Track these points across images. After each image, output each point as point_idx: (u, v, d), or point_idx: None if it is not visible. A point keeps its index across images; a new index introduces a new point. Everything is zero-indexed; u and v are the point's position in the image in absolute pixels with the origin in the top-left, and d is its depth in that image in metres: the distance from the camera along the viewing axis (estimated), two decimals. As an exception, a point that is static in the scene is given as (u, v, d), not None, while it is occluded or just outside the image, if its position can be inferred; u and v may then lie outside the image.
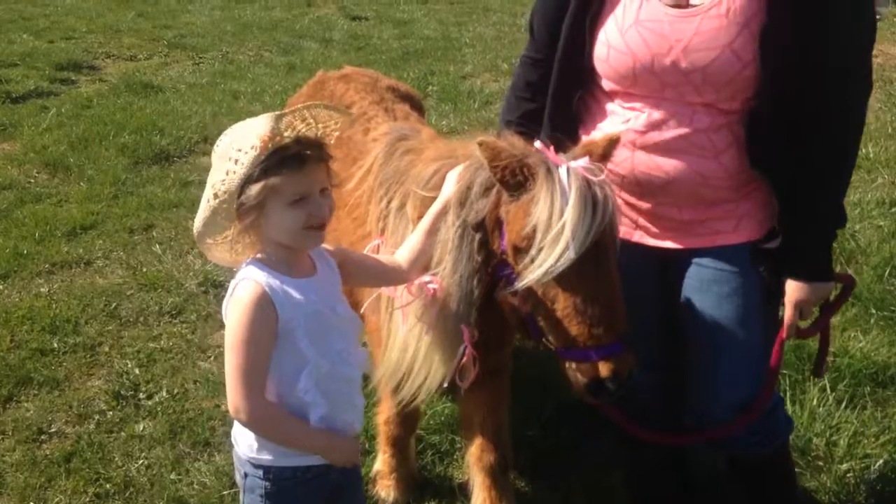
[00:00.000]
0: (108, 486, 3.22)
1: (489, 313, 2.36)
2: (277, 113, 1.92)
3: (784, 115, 2.20)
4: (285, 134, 1.90)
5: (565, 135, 2.40)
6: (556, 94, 2.50)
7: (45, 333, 4.20)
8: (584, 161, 2.11)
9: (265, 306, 1.93)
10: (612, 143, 2.22)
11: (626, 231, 2.47)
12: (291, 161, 1.91)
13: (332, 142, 2.07)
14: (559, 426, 3.53)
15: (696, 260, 2.44)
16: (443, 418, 3.60)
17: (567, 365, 2.17)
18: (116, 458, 3.37)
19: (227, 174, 1.88)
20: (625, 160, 2.37)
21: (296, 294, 1.97)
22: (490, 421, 2.82)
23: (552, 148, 2.17)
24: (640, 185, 2.38)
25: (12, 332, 4.19)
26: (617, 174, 2.38)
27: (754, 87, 2.21)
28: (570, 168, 2.07)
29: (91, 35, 10.81)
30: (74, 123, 7.31)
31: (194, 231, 2.00)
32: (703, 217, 2.39)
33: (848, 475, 3.15)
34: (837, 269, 4.46)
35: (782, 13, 2.12)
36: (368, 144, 2.90)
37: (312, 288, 2.03)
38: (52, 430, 3.55)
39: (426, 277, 2.34)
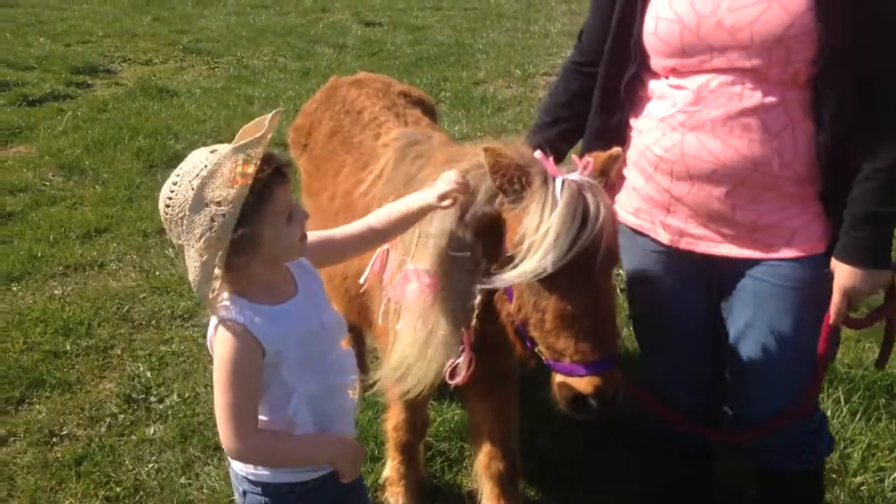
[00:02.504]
0: (118, 489, 3.23)
1: (493, 317, 2.36)
2: (235, 146, 1.83)
3: (845, 87, 2.07)
4: (253, 162, 1.83)
5: (614, 122, 2.42)
6: (604, 81, 2.47)
7: (58, 336, 4.22)
8: (577, 174, 2.11)
9: (249, 345, 1.91)
10: (612, 159, 2.21)
11: (671, 239, 2.44)
12: (277, 179, 1.87)
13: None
14: (570, 435, 3.51)
15: (749, 272, 2.36)
16: (452, 425, 3.59)
17: (554, 377, 2.16)
18: (127, 462, 3.38)
19: (214, 220, 1.79)
20: (674, 145, 2.30)
21: (281, 323, 1.95)
22: (499, 429, 2.81)
23: (551, 158, 2.17)
24: (689, 174, 2.29)
25: (25, 334, 4.22)
26: (668, 162, 2.33)
27: (809, 50, 2.07)
28: (565, 179, 2.07)
29: (107, 39, 10.89)
30: (90, 127, 7.37)
31: (195, 290, 1.88)
32: (756, 223, 2.28)
33: (861, 488, 3.12)
34: None
35: None
36: (379, 150, 2.90)
37: (297, 309, 2.01)
38: (64, 432, 3.57)
39: (421, 266, 2.34)
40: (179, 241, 1.85)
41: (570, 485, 3.29)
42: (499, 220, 2.21)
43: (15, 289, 4.69)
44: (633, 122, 2.45)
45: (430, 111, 3.51)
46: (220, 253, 1.81)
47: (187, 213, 1.79)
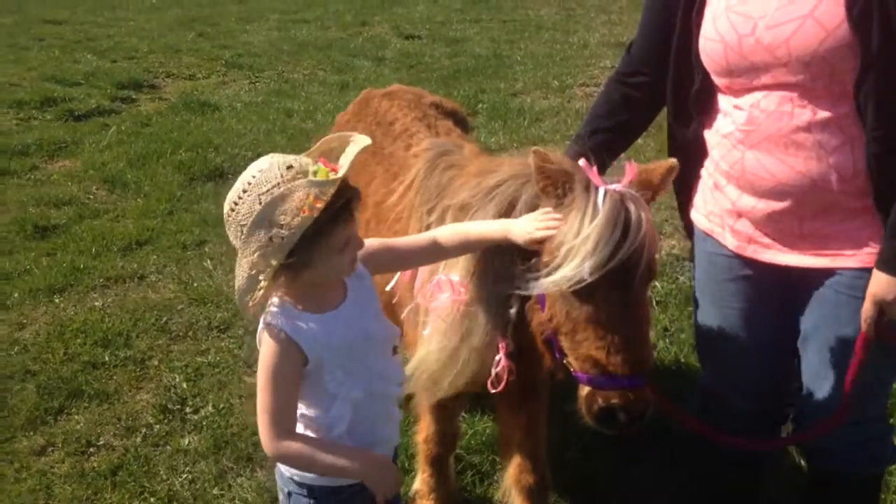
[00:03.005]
0: (152, 499, 3.27)
1: (525, 326, 2.35)
2: (315, 181, 1.88)
3: (890, 96, 2.03)
4: (325, 199, 1.87)
5: (690, 133, 2.45)
6: (673, 94, 2.50)
7: (98, 347, 4.29)
8: (621, 185, 2.10)
9: (290, 350, 1.99)
10: (670, 171, 2.20)
11: (738, 246, 2.44)
12: (343, 214, 1.93)
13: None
14: (601, 449, 3.46)
15: (817, 281, 2.34)
16: (484, 438, 3.57)
17: (582, 389, 2.15)
18: (161, 472, 3.42)
19: (273, 240, 1.85)
20: (736, 162, 2.32)
21: (324, 332, 2.01)
22: (528, 441, 2.80)
23: (595, 168, 2.16)
24: (753, 189, 2.30)
25: (66, 345, 4.29)
26: (733, 178, 2.35)
27: (851, 62, 2.04)
28: (608, 189, 2.07)
29: (152, 55, 11.10)
30: (133, 141, 7.51)
31: (236, 296, 1.96)
32: (823, 233, 2.26)
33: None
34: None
35: None
36: (409, 160, 2.91)
37: (342, 319, 2.05)
38: (101, 442, 3.62)
39: (454, 276, 2.35)
40: (234, 243, 1.94)
41: (601, 499, 3.24)
42: None
43: (57, 300, 4.78)
44: (706, 133, 2.47)
45: (462, 122, 3.52)
46: (268, 270, 1.88)
47: (249, 225, 1.87)
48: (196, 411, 3.81)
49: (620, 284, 2.04)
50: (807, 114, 2.14)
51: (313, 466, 2.07)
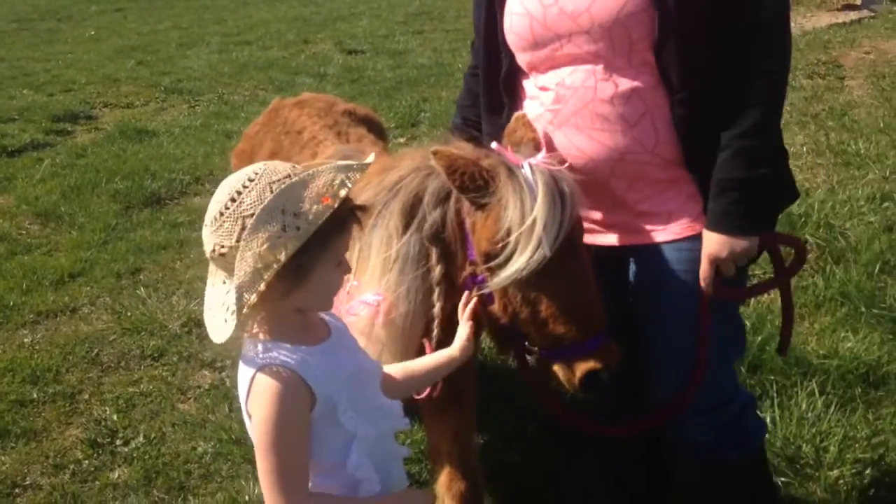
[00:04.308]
0: (79, 536, 3.16)
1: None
2: (342, 164, 1.72)
3: (690, 62, 2.07)
4: (348, 187, 1.69)
5: (503, 121, 2.39)
6: (485, 82, 2.49)
7: (26, 384, 4.16)
8: (541, 156, 2.09)
9: (298, 393, 1.71)
10: (519, 122, 2.22)
11: None
12: (353, 218, 1.76)
13: None
14: (540, 450, 3.42)
15: (635, 259, 2.36)
16: (422, 447, 3.51)
17: (556, 367, 2.13)
18: (90, 508, 3.31)
19: (286, 230, 1.62)
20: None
21: (325, 363, 1.77)
22: (457, 449, 2.73)
23: (509, 148, 2.14)
24: (570, 168, 2.27)
25: (-8, 385, 4.16)
26: None
27: (648, 28, 2.08)
28: (532, 165, 2.04)
29: (90, 86, 10.92)
30: (68, 173, 7.35)
31: (234, 294, 1.66)
32: (634, 210, 2.29)
33: (839, 482, 3.02)
34: (826, 268, 4.38)
35: None
36: (313, 169, 2.85)
37: (336, 350, 1.84)
38: (27, 482, 3.49)
39: (367, 296, 2.28)
40: (228, 243, 1.66)
41: (541, 499, 3.19)
42: (456, 223, 2.18)
43: (-16, 340, 4.64)
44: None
45: (376, 129, 3.47)
46: (275, 266, 1.63)
47: (258, 212, 1.62)
48: (126, 443, 3.70)
49: (569, 253, 2.04)
50: (610, 87, 2.16)
51: None
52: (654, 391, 2.47)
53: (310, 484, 1.81)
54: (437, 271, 2.22)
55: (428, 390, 2.34)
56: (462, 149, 2.18)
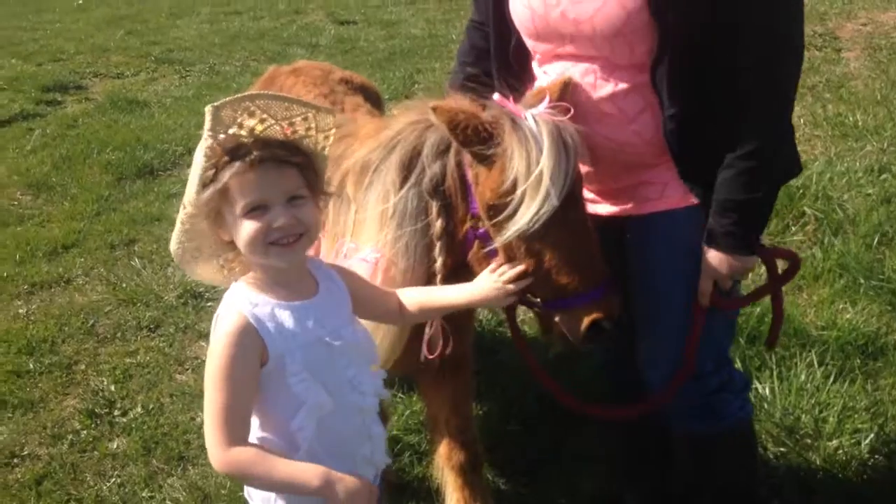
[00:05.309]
0: (79, 506, 3.16)
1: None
2: (215, 104, 1.68)
3: (692, 75, 2.05)
4: (230, 132, 1.68)
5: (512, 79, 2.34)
6: (495, 50, 2.42)
7: (22, 355, 4.15)
8: (544, 106, 2.06)
9: (249, 340, 1.72)
10: (566, 86, 2.15)
11: None
12: (239, 162, 1.68)
13: (329, 142, 1.89)
14: (541, 420, 3.42)
15: (629, 226, 2.34)
16: (421, 417, 3.51)
17: (559, 318, 2.14)
18: (88, 478, 3.31)
19: (189, 182, 1.70)
20: None
21: (290, 322, 1.77)
22: (455, 419, 2.72)
23: (511, 99, 2.11)
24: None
25: (-12, 356, 4.14)
26: None
27: (648, 42, 2.06)
28: (535, 116, 2.02)
29: (80, 56, 10.82)
30: (59, 144, 7.30)
31: (171, 251, 1.81)
32: (634, 182, 2.29)
33: (838, 452, 3.03)
34: (825, 239, 4.38)
35: None
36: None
37: (311, 312, 1.81)
38: (25, 452, 3.49)
39: (365, 252, 2.25)
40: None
41: (543, 468, 3.20)
42: (457, 175, 2.14)
43: (-21, 311, 4.61)
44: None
45: (373, 97, 3.42)
46: (193, 217, 1.72)
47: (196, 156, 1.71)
48: (125, 413, 3.69)
49: (572, 202, 2.04)
50: (609, 86, 2.15)
51: (269, 480, 1.74)
52: (639, 360, 2.45)
53: (256, 431, 1.83)
54: (438, 225, 2.19)
55: (440, 349, 2.30)
56: (460, 102, 2.14)
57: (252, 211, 1.70)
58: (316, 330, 1.80)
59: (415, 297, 2.12)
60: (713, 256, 2.16)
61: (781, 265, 2.35)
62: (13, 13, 14.58)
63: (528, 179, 1.95)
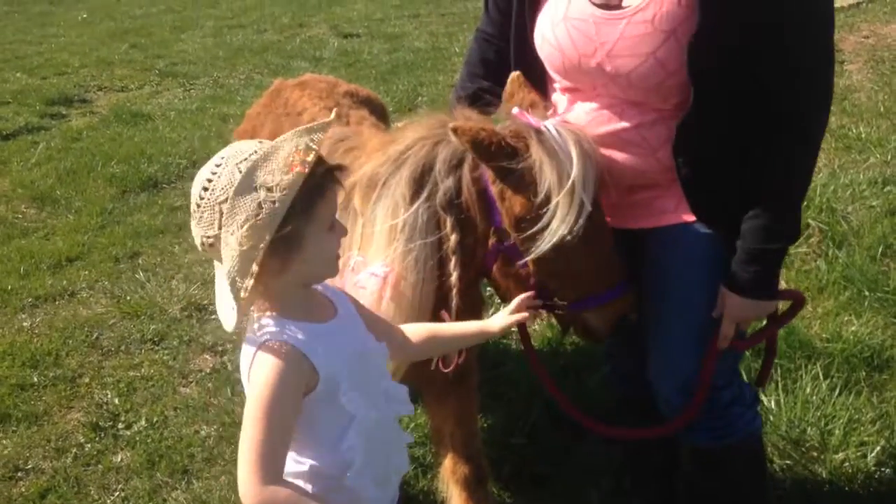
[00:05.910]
0: (82, 520, 3.15)
1: (471, 298, 2.33)
2: (301, 129, 1.69)
3: (723, 123, 2.08)
4: (307, 159, 1.64)
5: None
6: (517, 56, 2.40)
7: (26, 368, 4.14)
8: (557, 119, 2.11)
9: (299, 369, 1.68)
10: (522, 84, 2.23)
11: None
12: (330, 178, 1.70)
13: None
14: (546, 433, 3.41)
15: (645, 239, 2.34)
16: (426, 430, 3.49)
17: (588, 315, 2.23)
18: (93, 492, 3.30)
19: (262, 206, 1.59)
20: None
21: (331, 342, 1.74)
22: (459, 432, 2.71)
23: (528, 111, 2.13)
24: None
25: (-9, 369, 4.14)
26: None
27: (686, 93, 2.07)
28: (556, 126, 2.05)
29: (84, 69, 10.84)
30: (63, 157, 7.30)
31: (229, 283, 1.64)
32: (649, 196, 2.29)
33: (844, 465, 3.02)
34: (829, 251, 4.37)
35: (714, 20, 1.96)
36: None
37: (342, 329, 1.81)
38: (29, 466, 3.48)
39: (375, 267, 2.25)
40: (212, 233, 1.64)
41: (549, 482, 3.19)
42: (475, 190, 2.16)
43: (-17, 324, 4.61)
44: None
45: (378, 110, 3.43)
46: (261, 245, 1.60)
47: (231, 195, 1.59)
48: (129, 427, 3.68)
49: (596, 206, 2.10)
50: (637, 117, 2.16)
51: None
52: (652, 373, 2.45)
53: (305, 461, 1.80)
54: (453, 240, 2.19)
55: (455, 362, 2.30)
56: (473, 119, 2.17)
57: (331, 226, 1.74)
58: (352, 344, 1.81)
59: (422, 333, 2.12)
60: (739, 303, 2.17)
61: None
62: (18, 27, 14.62)
63: (562, 191, 2.00)
